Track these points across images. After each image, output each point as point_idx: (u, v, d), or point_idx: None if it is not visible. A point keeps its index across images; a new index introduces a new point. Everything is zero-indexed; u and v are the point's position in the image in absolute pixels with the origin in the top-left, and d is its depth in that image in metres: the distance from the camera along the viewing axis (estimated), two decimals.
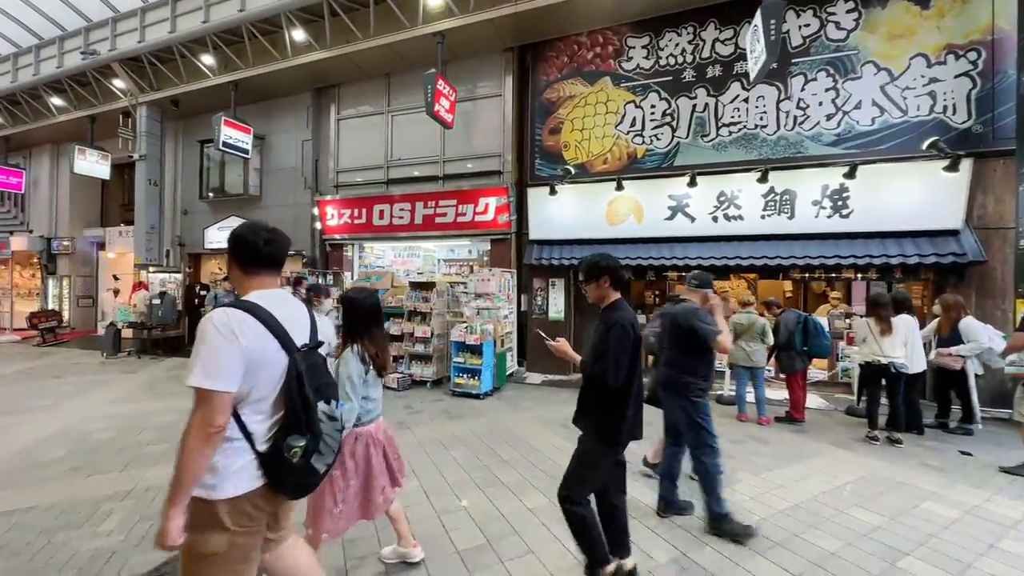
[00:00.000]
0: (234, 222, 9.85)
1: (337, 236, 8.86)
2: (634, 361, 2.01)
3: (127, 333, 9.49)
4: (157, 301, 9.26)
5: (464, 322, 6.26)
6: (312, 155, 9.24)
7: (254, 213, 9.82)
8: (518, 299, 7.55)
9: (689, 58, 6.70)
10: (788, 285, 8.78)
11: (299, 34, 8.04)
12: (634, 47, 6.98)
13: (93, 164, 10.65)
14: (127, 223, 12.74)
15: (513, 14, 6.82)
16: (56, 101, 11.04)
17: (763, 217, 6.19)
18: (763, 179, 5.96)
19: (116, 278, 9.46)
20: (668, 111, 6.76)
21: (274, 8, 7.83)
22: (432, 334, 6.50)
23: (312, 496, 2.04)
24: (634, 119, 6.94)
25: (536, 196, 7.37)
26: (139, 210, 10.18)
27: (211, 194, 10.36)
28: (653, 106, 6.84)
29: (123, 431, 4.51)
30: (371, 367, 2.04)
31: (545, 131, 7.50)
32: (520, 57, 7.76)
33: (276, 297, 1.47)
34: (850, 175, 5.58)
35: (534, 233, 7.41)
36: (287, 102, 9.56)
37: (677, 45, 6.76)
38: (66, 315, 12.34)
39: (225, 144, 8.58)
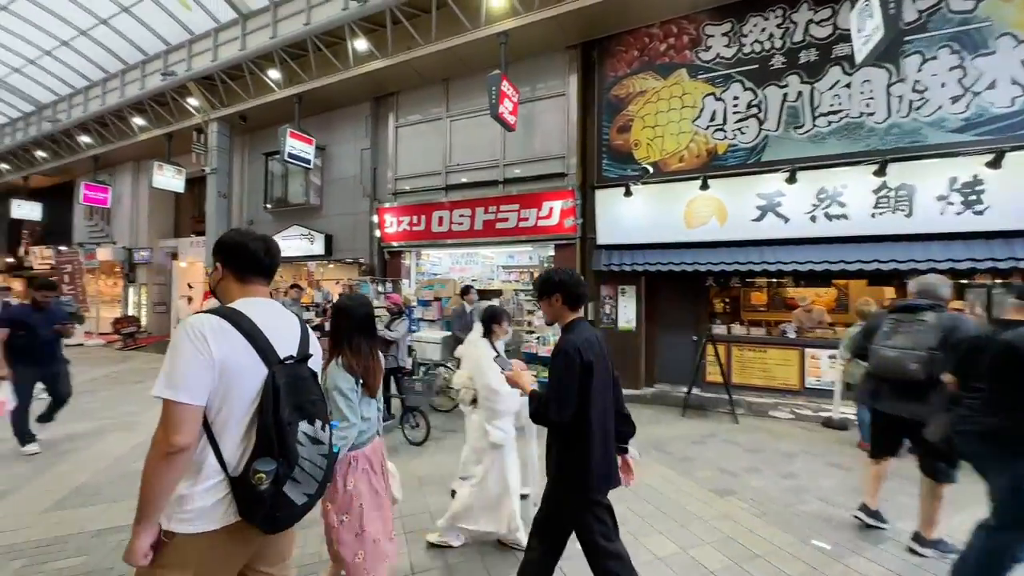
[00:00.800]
0: (297, 231, 10.11)
1: (395, 244, 8.83)
2: (585, 390, 1.76)
3: None
4: None
5: (533, 331, 5.95)
6: (371, 163, 9.30)
7: (315, 222, 10.02)
8: (585, 308, 7.15)
9: (778, 43, 6.10)
10: (888, 291, 7.84)
11: (361, 44, 8.10)
12: (713, 35, 6.46)
13: (169, 179, 11.30)
14: (198, 233, 13.48)
15: (579, 9, 6.50)
16: (138, 121, 11.83)
17: (873, 216, 5.47)
18: (880, 172, 5.26)
19: (190, 286, 9.93)
20: (754, 102, 6.18)
21: (338, 20, 7.94)
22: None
23: (330, 548, 1.92)
24: (714, 113, 6.40)
25: (605, 198, 6.97)
26: (209, 221, 10.66)
27: (275, 205, 10.68)
28: (736, 98, 6.28)
29: None
30: (360, 382, 1.85)
31: (613, 130, 7.09)
32: (585, 54, 7.42)
33: (263, 305, 1.36)
34: (994, 164, 4.79)
35: (603, 238, 7.01)
36: (347, 112, 9.70)
37: (763, 30, 6.18)
38: (144, 321, 13.17)
39: (290, 155, 8.79)
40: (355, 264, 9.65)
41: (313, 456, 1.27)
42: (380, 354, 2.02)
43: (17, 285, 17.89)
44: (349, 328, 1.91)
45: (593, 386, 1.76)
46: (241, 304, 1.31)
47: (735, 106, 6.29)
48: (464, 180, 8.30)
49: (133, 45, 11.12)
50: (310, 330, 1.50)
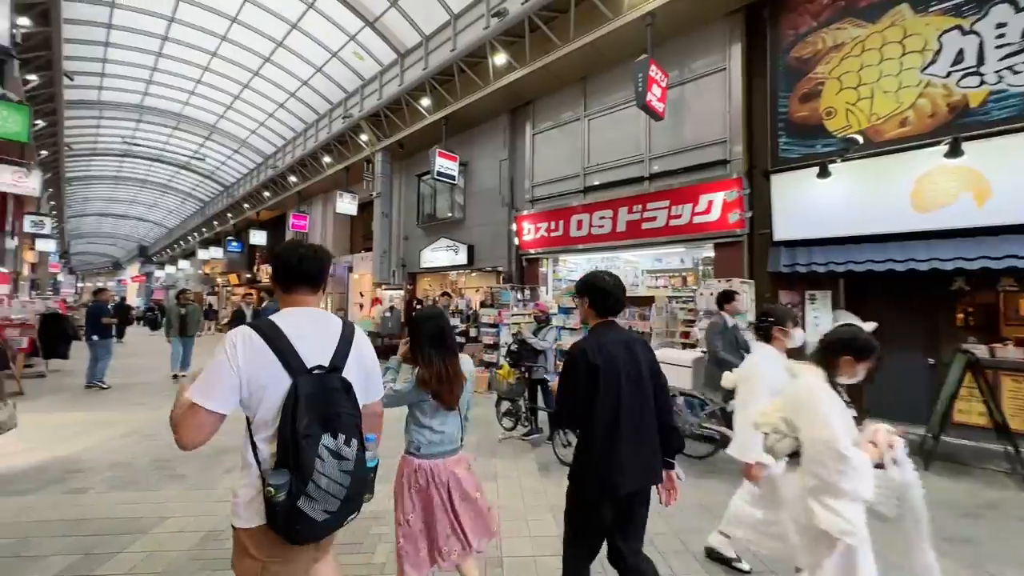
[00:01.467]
0: (444, 243, 10.89)
1: (533, 251, 8.78)
2: (590, 393, 1.77)
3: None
4: (388, 314, 10.84)
5: (693, 344, 5.10)
6: (508, 174, 9.50)
7: (459, 234, 10.68)
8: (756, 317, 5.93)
9: None
10: None
11: (500, 58, 8.32)
12: None
13: (347, 204, 13.43)
14: (366, 250, 15.79)
15: None
16: (326, 159, 14.43)
17: None
18: None
19: (362, 295, 11.59)
20: None
21: (480, 39, 8.31)
22: None
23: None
24: (961, 52, 4.66)
25: (784, 184, 5.70)
26: (376, 238, 12.28)
27: (425, 220, 11.77)
28: (1001, 25, 4.47)
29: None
30: (430, 396, 1.88)
31: (793, 100, 5.78)
32: (750, 18, 6.27)
33: (300, 314, 1.38)
34: None
35: (781, 232, 5.72)
36: (486, 128, 10.14)
37: None
38: None
39: (439, 174, 9.52)
40: (494, 272, 9.94)
41: (333, 472, 1.22)
42: (460, 367, 1.99)
43: (254, 293, 23.49)
44: (421, 341, 1.93)
45: (600, 389, 1.75)
46: (281, 314, 1.36)
47: (1000, 38, 4.47)
48: (604, 180, 7.81)
49: (323, 98, 13.63)
50: (358, 340, 1.45)
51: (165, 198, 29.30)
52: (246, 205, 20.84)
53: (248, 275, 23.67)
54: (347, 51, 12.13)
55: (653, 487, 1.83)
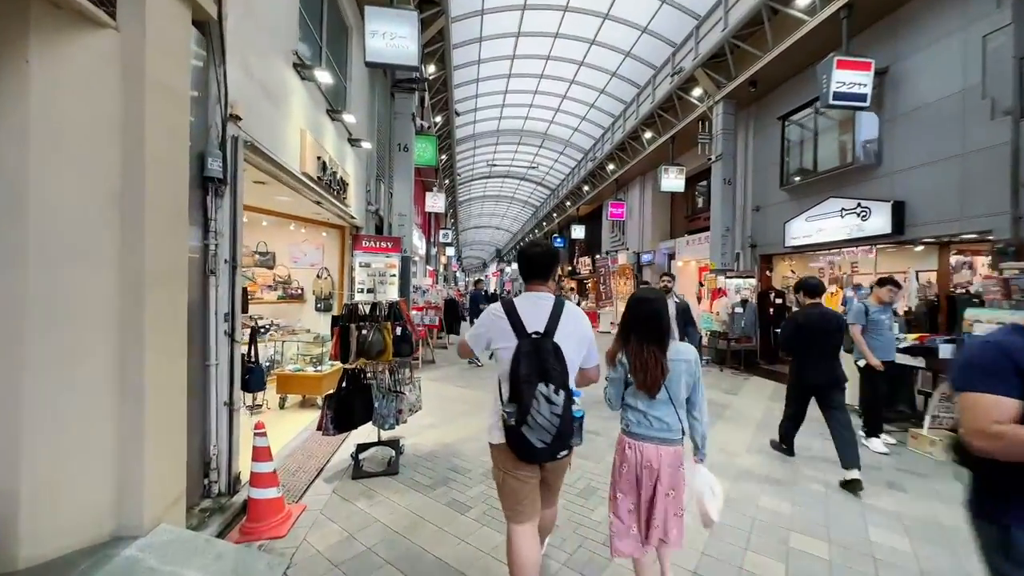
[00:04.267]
0: (833, 207, 7.31)
1: None
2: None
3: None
4: (740, 310, 8.27)
5: None
6: (1015, 52, 4.99)
7: (868, 187, 6.82)
8: None
9: None
10: None
11: None
12: None
13: (672, 180, 11.62)
14: (690, 232, 13.57)
15: None
16: (647, 135, 13.10)
17: None
18: None
19: (701, 284, 9.54)
20: None
21: None
22: None
23: None
24: None
25: None
26: (714, 212, 9.87)
27: (795, 178, 8.38)
28: None
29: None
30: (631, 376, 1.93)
31: None
32: None
33: (530, 297, 1.84)
34: None
35: None
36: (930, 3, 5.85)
37: None
38: None
39: (838, 96, 6.16)
40: (938, 245, 5.64)
41: (545, 411, 1.60)
42: (660, 353, 1.88)
43: (569, 284, 25.71)
44: (628, 324, 1.97)
45: None
46: (520, 296, 1.86)
47: None
48: None
49: (645, 64, 12.27)
50: (568, 312, 1.80)
51: (511, 208, 36.80)
52: (568, 203, 22.69)
53: (569, 267, 26.09)
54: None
55: None
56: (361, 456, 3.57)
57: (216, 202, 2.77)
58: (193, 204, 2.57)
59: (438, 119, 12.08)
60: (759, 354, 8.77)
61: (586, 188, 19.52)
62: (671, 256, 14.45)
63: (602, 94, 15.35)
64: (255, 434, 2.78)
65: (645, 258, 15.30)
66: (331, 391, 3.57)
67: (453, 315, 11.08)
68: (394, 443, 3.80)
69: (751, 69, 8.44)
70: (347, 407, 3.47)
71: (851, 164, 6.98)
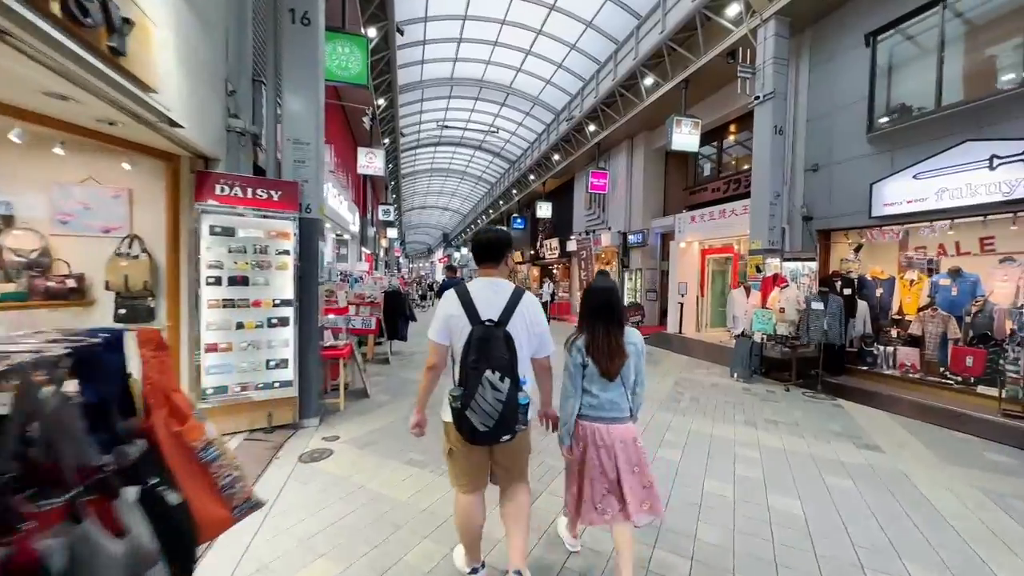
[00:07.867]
0: (965, 154, 4.96)
1: None
2: None
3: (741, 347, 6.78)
4: (819, 305, 5.82)
5: None
6: None
7: (1005, 127, 4.51)
8: None
9: None
10: None
11: None
12: None
13: (686, 136, 9.05)
14: (689, 208, 11.21)
15: None
16: (647, 82, 10.36)
17: None
18: None
19: (758, 269, 7.06)
20: None
21: None
22: None
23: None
24: None
25: None
26: (759, 174, 7.36)
27: (888, 121, 5.99)
28: None
29: None
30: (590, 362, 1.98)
31: None
32: None
33: (484, 283, 1.87)
34: None
35: None
36: None
37: None
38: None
39: None
40: None
41: (489, 397, 1.67)
42: (621, 340, 1.97)
43: (535, 272, 22.94)
44: (586, 311, 2.03)
45: None
46: (474, 281, 1.89)
47: None
48: None
49: None
50: (525, 302, 1.84)
51: (463, 185, 33.09)
52: (532, 177, 19.69)
53: (531, 251, 23.23)
54: None
55: None
56: None
57: None
58: None
59: (371, 31, 8.45)
60: (822, 364, 6.42)
61: (556, 157, 16.60)
62: (666, 236, 12.03)
63: (589, 27, 12.23)
64: None
65: (633, 239, 12.78)
66: None
67: (398, 312, 7.77)
68: None
69: None
70: None
71: (976, 100, 4.61)
